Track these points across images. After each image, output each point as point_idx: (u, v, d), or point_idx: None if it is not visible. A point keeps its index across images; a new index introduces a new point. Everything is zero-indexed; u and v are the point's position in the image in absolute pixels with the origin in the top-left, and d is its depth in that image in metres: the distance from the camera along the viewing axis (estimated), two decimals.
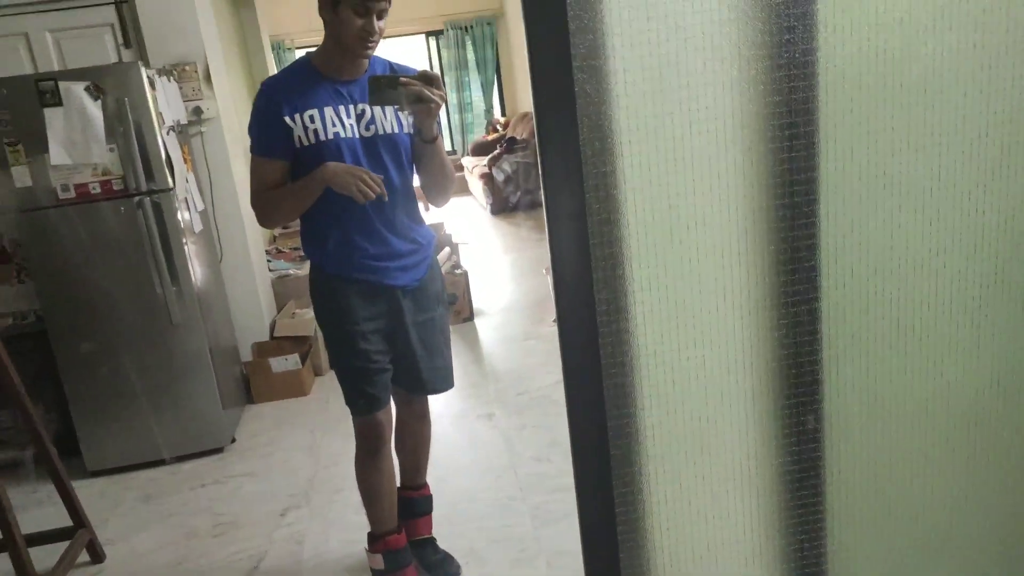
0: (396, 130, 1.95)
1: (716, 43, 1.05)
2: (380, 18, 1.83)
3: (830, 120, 1.09)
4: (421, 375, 2.13)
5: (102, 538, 2.73)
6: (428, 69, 1.87)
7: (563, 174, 1.02)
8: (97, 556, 2.67)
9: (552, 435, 3.13)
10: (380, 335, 2.03)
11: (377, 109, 1.91)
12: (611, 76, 1.03)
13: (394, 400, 2.17)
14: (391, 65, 1.99)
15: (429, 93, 1.77)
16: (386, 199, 1.89)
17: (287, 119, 1.87)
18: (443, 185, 2.03)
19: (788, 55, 1.06)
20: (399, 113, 1.93)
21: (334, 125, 1.88)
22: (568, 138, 1.01)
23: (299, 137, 1.88)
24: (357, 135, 1.91)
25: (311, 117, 1.87)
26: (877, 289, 1.14)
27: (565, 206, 1.06)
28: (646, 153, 1.06)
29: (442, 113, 1.92)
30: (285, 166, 1.93)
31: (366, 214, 1.93)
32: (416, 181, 2.06)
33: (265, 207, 1.95)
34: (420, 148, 1.95)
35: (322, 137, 1.88)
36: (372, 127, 1.92)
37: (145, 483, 3.24)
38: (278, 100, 1.88)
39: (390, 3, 1.84)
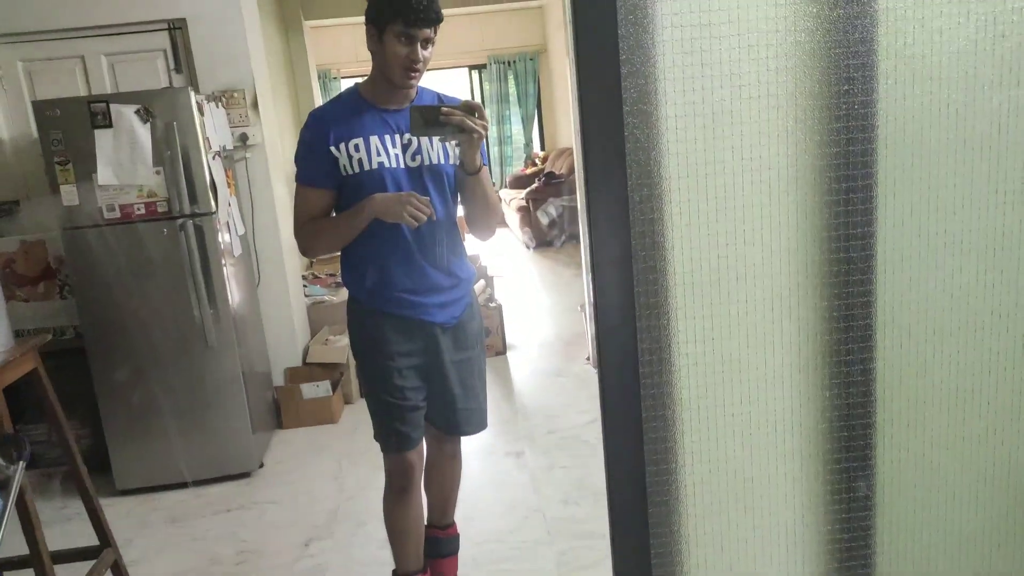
0: (442, 160, 1.93)
1: (771, 91, 1.02)
2: (425, 47, 1.83)
3: (889, 174, 1.05)
4: (455, 415, 2.10)
5: (127, 558, 2.72)
6: (470, 99, 1.86)
7: (609, 219, 0.99)
8: None
9: (581, 477, 3.07)
10: (415, 372, 2.01)
11: (424, 139, 1.90)
12: (662, 122, 1.01)
13: (426, 438, 2.14)
14: (439, 96, 1.97)
15: (471, 123, 1.75)
16: (435, 219, 1.88)
17: (332, 148, 1.87)
18: (487, 218, 2.00)
19: (846, 106, 1.02)
20: (447, 144, 1.92)
21: (379, 155, 1.87)
22: (616, 183, 0.98)
23: (344, 166, 1.88)
24: (402, 165, 1.90)
25: (356, 146, 1.87)
26: (935, 351, 1.09)
27: (610, 251, 1.03)
28: (695, 201, 1.03)
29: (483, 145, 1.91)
30: (330, 195, 1.93)
31: (407, 245, 1.91)
32: (460, 212, 2.06)
33: (309, 237, 1.95)
34: (463, 179, 1.93)
35: (366, 167, 1.87)
36: (418, 157, 1.91)
37: (172, 505, 3.23)
38: (324, 130, 1.89)
39: (435, 32, 1.83)
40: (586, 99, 0.94)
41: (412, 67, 1.82)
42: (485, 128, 1.77)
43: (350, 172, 1.88)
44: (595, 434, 3.43)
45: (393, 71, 1.84)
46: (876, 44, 1.01)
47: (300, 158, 1.92)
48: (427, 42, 1.82)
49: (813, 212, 1.05)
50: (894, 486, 1.10)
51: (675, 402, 1.08)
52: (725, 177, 1.02)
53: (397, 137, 1.89)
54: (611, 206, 0.98)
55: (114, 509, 3.16)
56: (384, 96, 1.90)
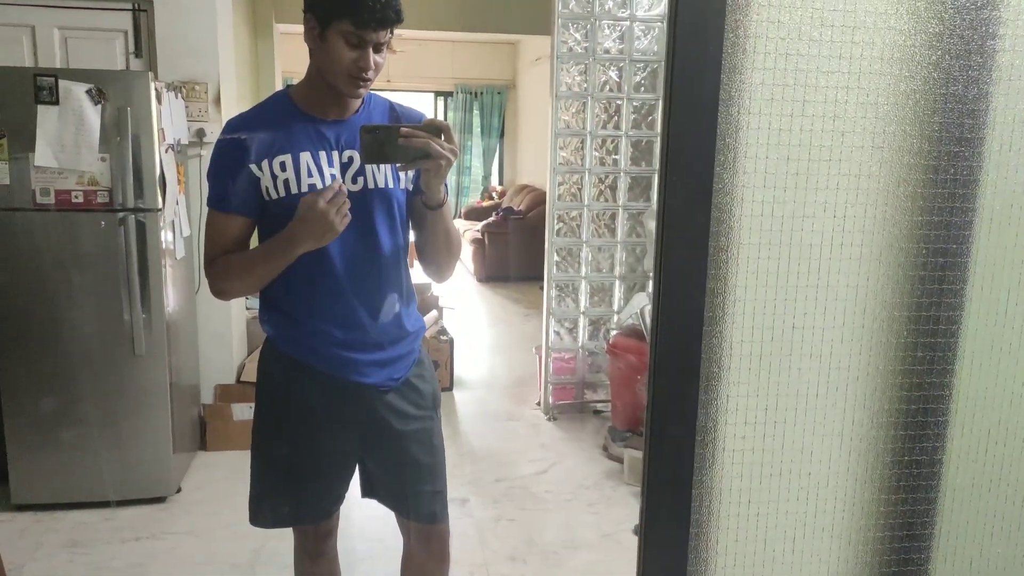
0: (391, 184, 1.60)
1: (877, 142, 0.88)
2: (378, 51, 1.49)
3: (988, 254, 0.92)
4: (403, 499, 1.73)
5: None
6: (435, 118, 1.55)
7: (686, 273, 0.83)
8: None
9: (529, 532, 2.87)
10: (335, 442, 1.67)
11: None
12: (747, 161, 0.86)
13: (397, 522, 1.81)
14: (392, 106, 1.65)
15: (438, 147, 1.44)
16: (380, 253, 1.58)
17: (253, 167, 1.53)
18: (446, 258, 1.69)
19: (953, 170, 0.89)
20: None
21: (310, 175, 1.55)
22: (696, 231, 0.82)
23: (266, 188, 1.54)
24: None
25: (282, 164, 1.54)
26: (1013, 461, 0.95)
27: (681, 305, 0.87)
28: (772, 259, 0.88)
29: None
30: (247, 224, 1.58)
31: (338, 286, 1.59)
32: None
33: (220, 276, 1.58)
34: (421, 212, 1.62)
35: (293, 189, 1.53)
36: (360, 179, 1.57)
37: (73, 527, 2.89)
38: (244, 143, 1.55)
39: (391, 34, 1.48)
40: (677, 122, 0.78)
41: (360, 76, 1.49)
42: (454, 154, 1.47)
43: (274, 196, 1.54)
44: (545, 487, 3.24)
45: (337, 77, 1.51)
46: (991, 104, 0.89)
47: (212, 175, 1.56)
48: (381, 46, 1.49)
49: (901, 287, 0.91)
50: None
51: (717, 493, 0.91)
52: (812, 235, 0.87)
53: (335, 154, 1.56)
54: (689, 256, 0.82)
55: (6, 527, 2.82)
56: (322, 104, 1.56)
